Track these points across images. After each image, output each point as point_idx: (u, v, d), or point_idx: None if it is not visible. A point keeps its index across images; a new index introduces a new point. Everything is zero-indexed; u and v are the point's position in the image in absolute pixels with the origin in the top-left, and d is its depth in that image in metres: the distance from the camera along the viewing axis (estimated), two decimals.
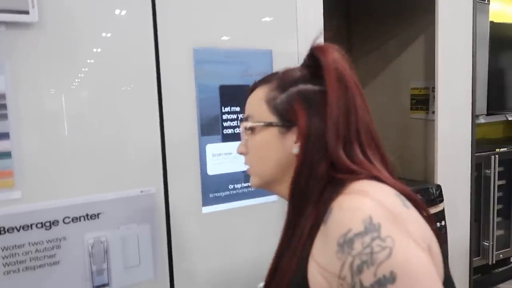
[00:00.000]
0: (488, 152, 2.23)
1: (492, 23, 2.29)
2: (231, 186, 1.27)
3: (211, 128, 1.23)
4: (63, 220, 1.01)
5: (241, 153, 0.77)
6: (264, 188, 0.76)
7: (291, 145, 0.69)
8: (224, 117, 1.24)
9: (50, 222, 1.00)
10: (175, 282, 1.18)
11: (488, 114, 2.38)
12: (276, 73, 0.74)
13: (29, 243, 0.98)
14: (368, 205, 0.55)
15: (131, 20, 1.08)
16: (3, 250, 0.95)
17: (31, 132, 0.97)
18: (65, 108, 1.00)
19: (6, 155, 0.93)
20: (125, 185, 1.09)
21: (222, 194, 1.26)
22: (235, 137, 1.26)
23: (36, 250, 0.99)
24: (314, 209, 0.63)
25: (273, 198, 1.33)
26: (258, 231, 1.32)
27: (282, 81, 0.71)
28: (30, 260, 0.98)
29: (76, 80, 1.01)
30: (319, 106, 0.66)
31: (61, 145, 1.00)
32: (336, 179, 0.64)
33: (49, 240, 1.00)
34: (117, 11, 1.06)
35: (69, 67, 1.00)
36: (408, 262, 0.51)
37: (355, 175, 0.63)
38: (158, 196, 1.13)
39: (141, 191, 1.11)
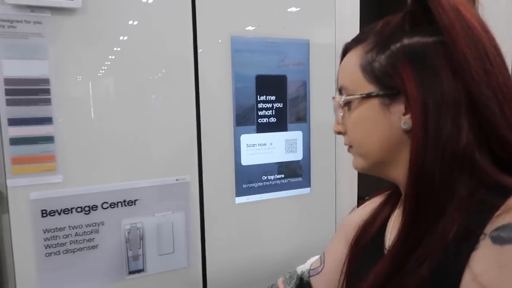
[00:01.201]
0: None
1: None
2: (264, 177, 1.26)
3: (246, 118, 1.22)
4: (102, 206, 1.03)
5: (338, 133, 0.64)
6: (371, 172, 0.62)
7: (399, 118, 0.54)
8: (260, 107, 1.23)
9: (89, 206, 1.01)
10: (207, 271, 1.19)
11: None
12: (374, 27, 0.58)
13: (69, 226, 1.00)
14: None
15: (171, 7, 1.07)
16: (45, 233, 0.97)
17: (72, 118, 0.98)
18: (105, 95, 1.01)
19: (49, 139, 0.95)
20: (161, 173, 1.09)
21: (255, 185, 1.25)
22: (270, 127, 1.25)
23: (76, 234, 1.01)
24: (461, 210, 0.49)
25: (306, 190, 1.32)
26: (290, 223, 1.31)
27: (380, 37, 0.56)
28: (70, 243, 1.00)
29: (115, 66, 1.02)
30: (434, 63, 0.51)
31: (100, 131, 1.01)
32: (498, 180, 0.49)
33: (88, 225, 1.02)
34: None
35: (110, 54, 1.01)
36: None
37: None
38: (193, 184, 1.14)
39: (177, 179, 1.11)
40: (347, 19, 1.34)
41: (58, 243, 0.99)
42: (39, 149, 0.94)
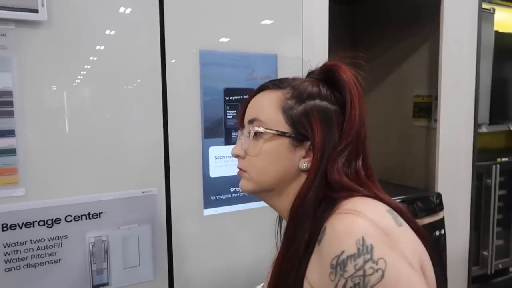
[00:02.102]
0: (489, 162, 2.23)
1: (496, 32, 2.29)
2: (232, 189, 1.27)
3: (215, 130, 1.23)
4: (65, 219, 1.02)
5: (236, 156, 0.74)
6: (256, 195, 0.74)
7: (299, 159, 0.68)
8: (228, 120, 1.25)
9: (52, 220, 1.00)
10: (174, 283, 1.18)
11: (490, 124, 2.38)
12: (287, 80, 0.73)
13: (31, 240, 0.98)
14: (361, 225, 0.55)
15: (138, 20, 1.09)
16: (5, 247, 0.96)
17: (36, 130, 0.97)
18: (70, 107, 1.01)
19: (11, 151, 0.94)
20: (127, 185, 1.09)
21: (224, 197, 1.26)
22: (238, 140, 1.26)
23: (38, 248, 0.99)
24: (310, 226, 0.63)
25: None
26: (258, 235, 1.32)
27: (298, 91, 0.70)
28: (32, 258, 0.99)
29: (81, 79, 1.02)
30: (333, 124, 0.68)
31: (65, 143, 1.01)
32: (329, 196, 0.64)
33: (50, 238, 1.00)
34: (124, 11, 1.06)
35: (75, 66, 1.01)
36: (400, 284, 0.52)
37: (348, 193, 0.63)
38: (159, 197, 1.14)
39: (143, 192, 1.11)
40: (315, 34, 1.37)
41: (19, 258, 0.97)
42: (1, 161, 0.93)
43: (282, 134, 0.68)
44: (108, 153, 1.06)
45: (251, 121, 0.71)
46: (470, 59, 1.78)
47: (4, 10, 0.89)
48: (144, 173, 1.12)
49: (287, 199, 0.69)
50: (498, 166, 2.22)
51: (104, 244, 1.07)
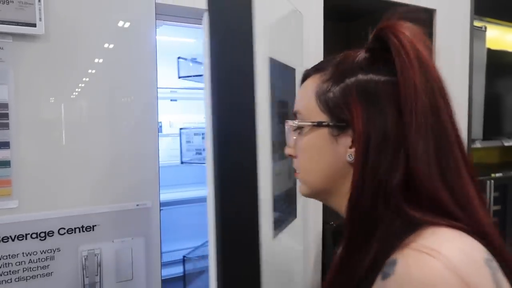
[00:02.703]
0: (483, 177, 2.24)
1: (489, 50, 2.34)
2: None
3: None
4: (58, 231, 1.01)
5: (289, 155, 0.64)
6: (316, 199, 0.64)
7: (345, 150, 0.56)
8: None
9: (45, 232, 1.00)
10: None
11: (484, 139, 2.40)
12: (333, 59, 0.60)
13: (23, 253, 0.97)
14: (445, 281, 0.42)
15: (135, 33, 1.10)
16: None
17: (30, 142, 0.97)
18: (65, 120, 1.02)
19: (5, 163, 0.94)
20: (121, 198, 1.09)
21: None
22: None
23: (30, 261, 0.98)
24: (378, 243, 0.50)
25: None
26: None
27: (337, 69, 0.57)
28: (23, 271, 0.98)
29: (77, 92, 1.03)
30: (382, 103, 0.53)
31: (59, 156, 1.01)
32: (408, 214, 0.49)
33: (43, 251, 1.00)
34: (121, 25, 1.08)
35: (71, 79, 1.02)
36: None
37: (435, 219, 0.48)
38: (153, 210, 1.14)
39: (137, 205, 1.11)
40: (310, 54, 1.40)
41: (10, 271, 0.96)
42: None
43: (318, 124, 0.57)
44: (103, 166, 1.07)
45: (294, 115, 0.63)
46: (462, 76, 1.81)
47: (1, 24, 0.90)
48: (138, 186, 1.12)
49: (345, 200, 0.56)
50: (492, 181, 2.23)
51: (97, 257, 1.06)
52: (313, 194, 0.62)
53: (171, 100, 1.74)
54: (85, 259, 1.05)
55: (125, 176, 1.10)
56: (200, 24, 0.49)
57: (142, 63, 1.11)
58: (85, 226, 1.04)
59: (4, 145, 0.94)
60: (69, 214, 1.02)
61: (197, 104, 1.83)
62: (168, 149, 1.59)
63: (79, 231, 1.04)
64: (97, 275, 1.06)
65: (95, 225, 1.06)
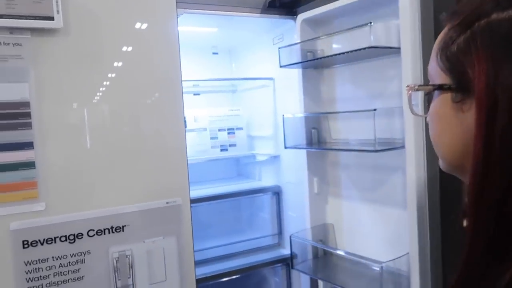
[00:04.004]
0: None
1: None
2: None
3: None
4: (87, 233, 0.97)
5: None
6: (457, 174, 0.49)
7: (471, 119, 0.41)
8: None
9: (74, 235, 0.96)
10: None
11: None
12: (466, 3, 0.44)
13: (52, 257, 0.94)
14: None
15: (157, 26, 1.05)
16: (26, 265, 0.92)
17: (55, 142, 0.93)
18: (90, 117, 0.97)
19: (30, 165, 0.90)
20: (150, 197, 1.04)
21: None
22: None
23: (60, 265, 0.95)
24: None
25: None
26: None
27: (468, 10, 0.42)
28: (54, 276, 0.94)
29: (101, 88, 0.98)
30: None
31: (85, 155, 0.97)
32: None
33: (73, 254, 0.96)
34: (142, 17, 1.03)
35: (93, 75, 0.97)
36: None
37: None
38: (184, 207, 1.08)
39: (167, 203, 1.06)
40: None
41: (41, 276, 0.93)
42: (20, 175, 0.89)
43: (439, 88, 0.45)
44: (130, 164, 1.02)
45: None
46: None
47: (19, 19, 0.86)
48: (167, 183, 1.07)
49: None
50: None
51: (129, 258, 1.02)
52: (451, 170, 0.49)
53: (194, 94, 1.69)
54: (116, 261, 1.00)
55: (154, 174, 1.05)
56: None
57: (165, 56, 1.06)
58: (114, 227, 1.00)
59: (28, 145, 0.90)
60: (98, 215, 0.98)
61: (222, 97, 1.77)
62: (194, 145, 1.54)
63: (109, 232, 0.99)
64: (129, 277, 1.02)
65: (125, 225, 1.01)
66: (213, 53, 1.74)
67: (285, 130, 1.26)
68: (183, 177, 1.09)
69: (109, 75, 0.99)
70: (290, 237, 1.31)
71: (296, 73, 1.32)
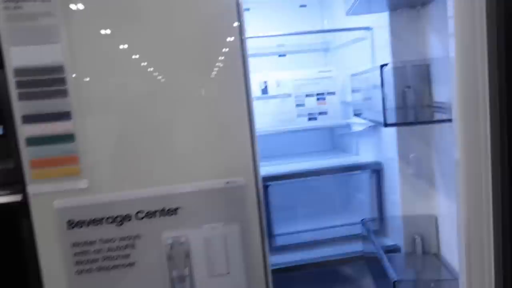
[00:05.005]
0: None
1: None
2: None
3: None
4: (136, 215, 0.85)
5: None
6: None
7: None
8: None
9: (121, 216, 0.85)
10: None
11: None
12: None
13: (100, 239, 0.84)
14: None
15: None
16: (73, 247, 0.84)
17: (95, 112, 0.82)
18: (135, 83, 0.83)
19: (69, 138, 0.80)
20: (207, 175, 0.88)
21: None
22: None
23: (109, 249, 0.85)
24: None
25: None
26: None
27: None
28: (103, 260, 0.85)
29: (147, 48, 0.83)
30: None
31: (132, 126, 0.84)
32: None
33: (122, 238, 0.85)
34: None
35: (138, 32, 0.82)
36: None
37: None
38: (248, 188, 0.89)
39: (227, 182, 0.88)
40: None
41: (89, 259, 0.84)
42: (59, 149, 0.80)
43: None
44: (184, 138, 0.86)
45: None
46: None
47: None
48: (228, 161, 0.88)
49: None
50: None
51: (184, 246, 0.88)
52: None
53: (279, 55, 1.47)
54: (170, 248, 0.87)
55: (212, 150, 0.87)
56: None
57: (221, 8, 0.86)
58: (166, 209, 0.86)
59: (65, 116, 0.80)
60: (147, 195, 0.85)
61: (312, 57, 1.51)
62: (277, 113, 1.34)
63: (160, 215, 0.86)
64: (185, 267, 0.88)
65: (178, 208, 0.87)
66: (301, 6, 1.48)
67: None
68: (247, 154, 0.89)
69: (156, 31, 0.83)
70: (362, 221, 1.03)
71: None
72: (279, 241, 1.25)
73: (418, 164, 1.01)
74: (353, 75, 1.16)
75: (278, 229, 1.25)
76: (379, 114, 0.86)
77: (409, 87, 0.93)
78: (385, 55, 1.08)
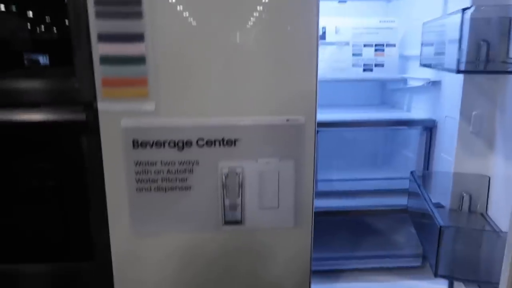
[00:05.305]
0: None
1: None
2: None
3: None
4: (197, 142, 0.88)
5: None
6: None
7: None
8: None
9: (183, 141, 0.88)
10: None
11: None
12: None
13: (161, 161, 0.88)
14: None
15: None
16: (136, 165, 0.88)
17: (169, 37, 0.83)
18: (210, 11, 0.83)
19: (140, 60, 0.82)
20: (268, 111, 0.89)
21: None
22: None
23: (168, 171, 0.89)
24: None
25: None
26: None
27: None
28: (162, 181, 0.89)
29: None
30: None
31: (201, 53, 0.84)
32: None
33: (181, 162, 0.89)
34: None
35: None
36: None
37: None
38: (308, 127, 0.90)
39: (287, 120, 0.89)
40: None
41: (149, 179, 0.89)
42: (129, 71, 0.82)
43: None
44: (251, 72, 0.86)
45: None
46: None
47: None
48: (290, 99, 0.89)
49: None
50: None
51: (239, 177, 0.91)
52: None
53: (339, 1, 1.42)
54: (225, 177, 0.90)
55: (276, 86, 0.88)
56: None
57: None
58: (226, 139, 0.89)
59: (138, 38, 0.81)
60: (209, 124, 0.87)
61: (374, 5, 1.45)
62: (332, 61, 1.31)
63: (219, 145, 0.89)
64: (238, 197, 0.92)
65: (237, 139, 0.89)
66: None
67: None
68: (310, 94, 0.89)
69: None
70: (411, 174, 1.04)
71: None
72: (321, 187, 1.27)
73: (480, 122, 0.99)
74: (425, 23, 1.11)
75: (320, 175, 1.26)
76: (452, 62, 0.83)
77: (485, 40, 0.89)
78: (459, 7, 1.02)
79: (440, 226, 0.82)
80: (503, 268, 0.60)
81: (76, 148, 0.97)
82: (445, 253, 0.82)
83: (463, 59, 0.83)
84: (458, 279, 0.93)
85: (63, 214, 1.02)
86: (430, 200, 0.95)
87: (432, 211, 0.90)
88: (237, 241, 0.94)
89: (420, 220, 1.02)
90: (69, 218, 1.03)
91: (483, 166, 1.01)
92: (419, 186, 1.03)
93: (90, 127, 0.92)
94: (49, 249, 1.03)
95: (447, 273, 0.84)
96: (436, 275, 0.84)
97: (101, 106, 0.84)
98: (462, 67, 0.84)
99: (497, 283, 0.62)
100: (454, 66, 0.83)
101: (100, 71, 0.82)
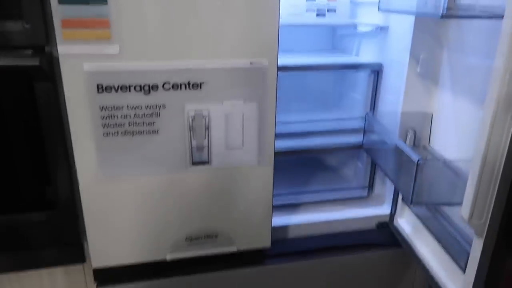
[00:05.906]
0: None
1: None
2: None
3: None
4: (163, 86, 0.89)
5: None
6: None
7: None
8: None
9: (149, 85, 0.88)
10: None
11: None
12: None
13: (127, 106, 0.88)
14: None
15: None
16: (101, 110, 0.87)
17: None
18: None
19: (101, 0, 0.79)
20: (232, 54, 0.91)
21: None
22: None
23: (135, 115, 0.89)
24: None
25: None
26: None
27: None
28: (129, 125, 0.90)
29: None
30: None
31: None
32: None
33: (148, 106, 0.89)
34: None
35: None
36: None
37: None
38: (270, 70, 0.94)
39: (251, 63, 0.92)
40: None
41: (116, 123, 0.89)
42: (91, 11, 0.79)
43: None
44: (214, 13, 0.87)
45: None
46: None
47: None
48: (253, 41, 0.91)
49: None
50: None
51: (205, 119, 0.94)
52: None
53: None
54: (192, 119, 0.93)
55: (239, 28, 0.89)
56: None
57: None
58: (191, 82, 0.90)
59: None
60: (175, 67, 0.88)
61: None
62: (287, 6, 1.33)
63: (185, 88, 0.90)
64: (205, 138, 0.95)
65: (203, 83, 0.91)
66: None
67: None
68: (273, 36, 0.92)
69: None
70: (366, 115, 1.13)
71: None
72: (279, 129, 1.33)
73: (427, 64, 1.08)
74: None
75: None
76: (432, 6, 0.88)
77: None
78: None
79: (418, 160, 0.93)
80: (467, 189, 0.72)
81: (30, 95, 0.93)
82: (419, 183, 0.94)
83: (446, 4, 0.88)
84: (429, 204, 1.05)
85: (20, 165, 1.00)
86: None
87: (403, 148, 1.01)
88: (205, 180, 0.99)
89: (384, 155, 1.14)
90: (25, 168, 1.01)
91: (428, 104, 1.12)
92: (370, 125, 1.13)
93: (46, 72, 0.89)
94: (6, 201, 1.02)
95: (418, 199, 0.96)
96: (411, 202, 0.97)
97: (62, 49, 0.81)
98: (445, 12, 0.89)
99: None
100: (435, 10, 0.87)
101: (58, 12, 0.78)
